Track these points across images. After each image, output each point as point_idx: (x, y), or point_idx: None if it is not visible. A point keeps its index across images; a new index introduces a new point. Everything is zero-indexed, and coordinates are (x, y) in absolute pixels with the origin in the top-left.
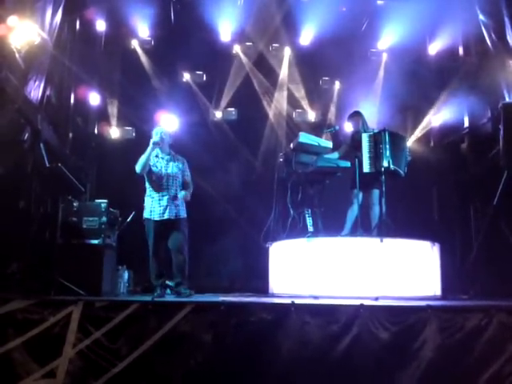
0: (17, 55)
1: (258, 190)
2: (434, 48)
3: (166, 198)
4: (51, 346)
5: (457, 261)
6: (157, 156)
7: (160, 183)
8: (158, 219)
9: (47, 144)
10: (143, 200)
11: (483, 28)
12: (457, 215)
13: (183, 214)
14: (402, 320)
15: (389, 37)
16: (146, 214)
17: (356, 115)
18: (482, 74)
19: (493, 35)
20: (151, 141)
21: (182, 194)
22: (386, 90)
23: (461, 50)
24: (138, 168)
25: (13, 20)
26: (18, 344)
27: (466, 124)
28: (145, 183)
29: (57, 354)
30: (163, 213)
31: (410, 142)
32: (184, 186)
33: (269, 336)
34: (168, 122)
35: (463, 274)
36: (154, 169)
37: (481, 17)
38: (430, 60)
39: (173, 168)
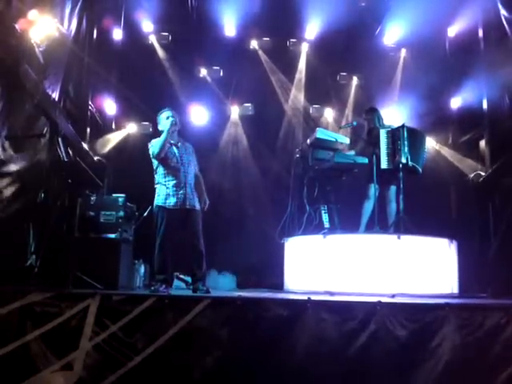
0: (36, 50)
1: (274, 185)
2: (453, 37)
3: (183, 186)
4: (68, 338)
5: (475, 259)
6: (170, 143)
7: (178, 171)
8: (173, 208)
9: (65, 138)
10: None
11: (504, 22)
12: (475, 212)
13: (198, 205)
14: (420, 318)
15: (406, 29)
16: (159, 202)
17: (371, 111)
18: (502, 63)
19: None
20: (168, 121)
21: (206, 201)
22: (404, 84)
23: (480, 33)
24: (155, 150)
25: (33, 14)
26: (36, 336)
27: (486, 119)
28: (154, 171)
29: (74, 347)
30: (181, 203)
31: (429, 139)
32: (196, 179)
33: (285, 332)
34: (197, 115)
35: (481, 271)
36: (170, 155)
37: (502, 11)
38: (448, 53)
39: (187, 155)
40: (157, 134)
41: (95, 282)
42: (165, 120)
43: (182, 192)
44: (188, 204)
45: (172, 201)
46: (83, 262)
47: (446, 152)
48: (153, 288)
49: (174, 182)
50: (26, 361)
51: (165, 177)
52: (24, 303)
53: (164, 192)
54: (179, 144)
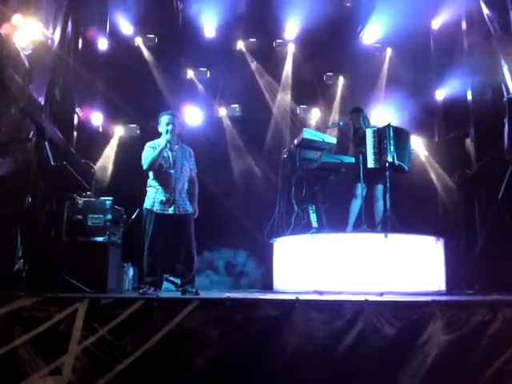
0: (21, 54)
1: (262, 186)
2: (437, 33)
3: (173, 191)
4: (57, 343)
5: (461, 256)
6: (165, 146)
7: (168, 175)
8: (161, 212)
9: (52, 142)
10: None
11: (487, 20)
12: (461, 210)
13: (190, 208)
14: (407, 315)
15: (391, 28)
16: (147, 205)
17: (356, 111)
18: (485, 57)
19: (497, 27)
20: (164, 137)
21: (195, 210)
22: (390, 83)
23: (464, 25)
24: (145, 165)
25: (17, 19)
26: (25, 341)
27: (471, 117)
28: (146, 173)
29: (62, 351)
30: (169, 207)
31: (414, 137)
32: (190, 184)
33: (274, 332)
34: (189, 116)
35: (468, 268)
36: (162, 160)
37: (485, 10)
38: (433, 51)
39: (182, 159)
40: (145, 135)
41: (84, 286)
42: (164, 125)
43: (170, 197)
44: (177, 210)
45: (160, 206)
46: (71, 265)
47: (432, 150)
48: (141, 291)
49: (164, 186)
50: (14, 366)
51: (155, 180)
52: (12, 308)
53: (153, 196)
54: (176, 147)
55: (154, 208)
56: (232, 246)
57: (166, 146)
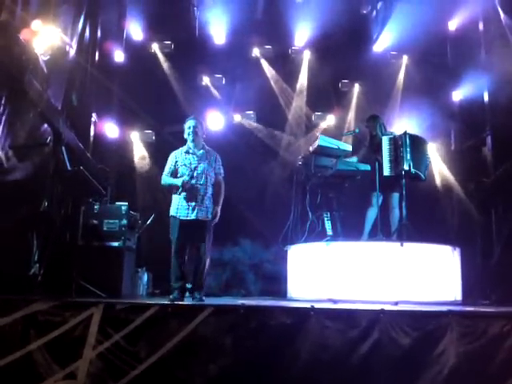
0: (40, 59)
1: (276, 193)
2: (453, 40)
3: (195, 197)
4: (72, 347)
5: (478, 266)
6: (187, 152)
7: (190, 181)
8: (183, 218)
9: (69, 147)
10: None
11: (505, 26)
12: (478, 219)
13: (211, 216)
14: (423, 325)
15: (407, 35)
16: (172, 212)
17: (373, 119)
18: (502, 64)
19: None
20: (188, 143)
21: (216, 214)
22: (406, 90)
23: (481, 26)
24: (162, 181)
25: (37, 24)
26: (40, 345)
27: (488, 125)
28: None
29: (77, 356)
30: (191, 213)
31: (431, 145)
32: (215, 188)
33: (288, 340)
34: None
35: (484, 279)
36: (182, 168)
37: (502, 15)
38: (449, 58)
39: (204, 166)
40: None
41: (98, 291)
42: (186, 129)
43: (191, 204)
44: (198, 215)
45: (183, 212)
46: (86, 270)
47: (449, 158)
48: (171, 297)
49: (185, 193)
50: (29, 370)
51: (177, 188)
52: (28, 312)
53: (176, 202)
54: (200, 152)
55: (178, 214)
56: (245, 251)
57: (181, 188)
